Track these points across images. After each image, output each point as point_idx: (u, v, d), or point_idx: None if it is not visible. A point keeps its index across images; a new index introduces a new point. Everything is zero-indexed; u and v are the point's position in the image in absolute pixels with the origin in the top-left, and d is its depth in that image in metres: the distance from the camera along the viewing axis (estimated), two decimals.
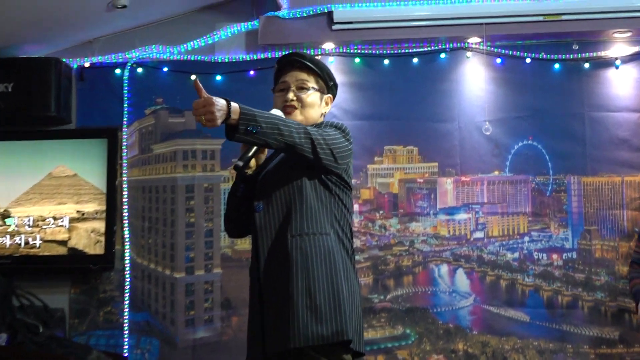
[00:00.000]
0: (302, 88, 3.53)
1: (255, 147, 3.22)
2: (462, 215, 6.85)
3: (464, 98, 6.91)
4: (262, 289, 3.28)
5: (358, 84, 6.93)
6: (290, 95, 3.50)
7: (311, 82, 3.55)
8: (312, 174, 3.34)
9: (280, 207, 3.31)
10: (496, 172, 6.86)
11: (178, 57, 6.89)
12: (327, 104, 3.64)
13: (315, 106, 3.54)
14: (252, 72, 6.83)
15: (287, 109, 3.48)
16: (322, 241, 3.27)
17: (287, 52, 3.66)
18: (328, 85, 3.64)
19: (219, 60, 6.89)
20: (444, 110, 6.88)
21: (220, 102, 3.05)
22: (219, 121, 3.04)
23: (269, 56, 6.81)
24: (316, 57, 3.66)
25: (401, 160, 6.91)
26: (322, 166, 3.30)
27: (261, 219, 3.32)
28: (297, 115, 3.49)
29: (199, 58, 6.89)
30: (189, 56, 6.90)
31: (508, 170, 6.84)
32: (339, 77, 6.06)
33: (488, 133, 6.72)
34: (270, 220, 3.30)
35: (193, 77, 6.78)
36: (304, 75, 3.54)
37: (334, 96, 3.71)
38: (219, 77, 6.87)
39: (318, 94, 3.56)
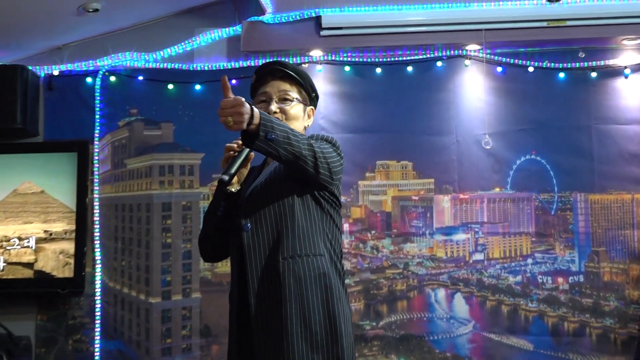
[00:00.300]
0: (285, 99, 3.40)
1: (240, 161, 3.12)
2: (460, 236, 6.73)
3: (462, 109, 6.80)
4: (252, 315, 3.15)
5: (348, 94, 6.83)
6: (273, 107, 3.35)
7: (294, 93, 3.43)
8: (302, 190, 3.24)
9: (270, 226, 3.20)
10: (497, 189, 6.75)
11: (154, 65, 6.77)
12: (309, 116, 3.52)
13: (299, 119, 3.43)
14: (234, 81, 6.52)
15: None
16: (316, 263, 3.17)
17: (267, 61, 3.56)
18: (310, 97, 3.52)
19: (198, 68, 6.78)
20: (440, 122, 6.76)
21: (247, 105, 2.91)
22: (245, 124, 2.88)
23: (252, 64, 6.68)
24: (299, 67, 3.56)
25: (395, 176, 6.80)
26: (318, 182, 3.19)
27: (249, 239, 3.19)
28: None
29: (176, 66, 6.78)
30: (165, 64, 6.78)
31: (510, 187, 6.72)
32: (327, 87, 6.72)
33: (488, 147, 6.62)
34: (259, 241, 3.19)
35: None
36: (286, 86, 3.41)
37: (315, 108, 3.59)
38: (198, 87, 6.77)
39: (301, 105, 3.45)
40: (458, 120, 6.78)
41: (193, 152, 6.79)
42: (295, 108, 3.42)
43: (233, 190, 3.29)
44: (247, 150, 3.10)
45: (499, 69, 6.81)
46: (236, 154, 3.13)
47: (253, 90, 3.48)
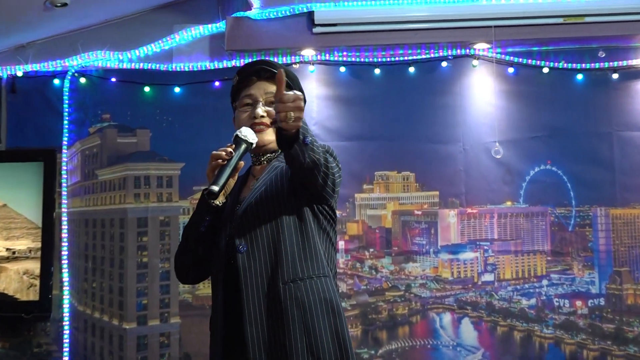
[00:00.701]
0: (272, 103, 3.27)
1: (230, 170, 3.07)
2: (468, 254, 6.61)
3: (470, 115, 6.67)
4: (250, 347, 3.06)
5: (344, 98, 6.69)
6: (260, 111, 3.29)
7: None
8: (300, 205, 3.18)
9: (267, 247, 3.13)
10: (508, 203, 6.63)
11: (128, 65, 6.63)
12: None
13: None
14: (217, 84, 6.59)
15: (257, 126, 3.28)
16: (320, 286, 3.09)
17: (252, 61, 3.50)
18: None
19: (178, 68, 6.64)
20: (446, 129, 6.64)
21: None
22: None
23: (238, 64, 6.53)
24: (287, 67, 3.53)
25: (395, 189, 6.65)
26: (321, 194, 3.15)
27: (244, 261, 3.11)
28: (268, 135, 3.32)
29: (153, 66, 6.63)
30: (141, 64, 6.64)
31: (522, 201, 6.61)
32: (321, 89, 6.64)
33: (498, 156, 6.48)
34: (255, 264, 3.11)
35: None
36: (273, 88, 3.29)
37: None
38: (177, 89, 6.63)
39: None
40: (465, 127, 6.64)
41: (171, 161, 6.63)
42: None
43: (218, 203, 3.23)
44: (237, 158, 3.07)
45: (511, 69, 6.69)
46: (225, 162, 3.07)
47: (235, 92, 3.42)
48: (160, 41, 6.66)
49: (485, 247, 6.62)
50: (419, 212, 6.66)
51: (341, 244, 6.57)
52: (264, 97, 3.33)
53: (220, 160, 3.07)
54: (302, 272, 3.07)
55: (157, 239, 6.62)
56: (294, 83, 3.38)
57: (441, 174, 6.61)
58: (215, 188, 2.97)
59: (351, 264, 6.58)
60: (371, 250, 6.61)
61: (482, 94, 6.68)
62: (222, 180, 3.01)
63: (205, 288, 6.36)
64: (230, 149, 3.05)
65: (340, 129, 6.63)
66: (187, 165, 6.57)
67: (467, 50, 6.66)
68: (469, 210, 6.62)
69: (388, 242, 6.62)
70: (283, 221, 3.12)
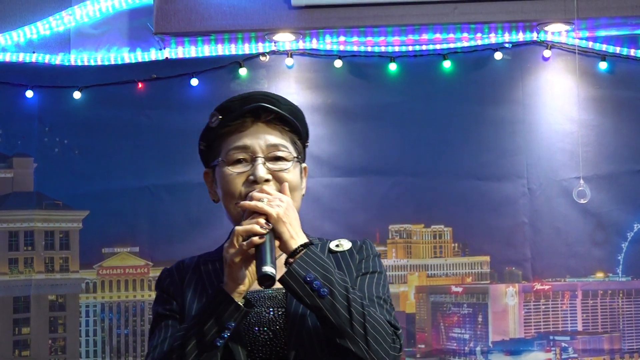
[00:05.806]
0: (278, 159, 2.95)
1: (271, 243, 2.72)
2: (536, 356, 5.99)
3: (539, 136, 6.12)
4: None
5: (340, 109, 6.18)
6: (262, 172, 2.89)
7: (288, 146, 3.00)
8: None
9: None
10: (600, 275, 6.02)
11: (0, 57, 6.14)
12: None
13: (298, 189, 3.02)
14: (140, 86, 6.05)
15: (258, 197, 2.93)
16: None
17: (241, 94, 3.00)
18: (304, 147, 3.18)
19: (78, 62, 6.10)
20: (501, 158, 6.08)
21: None
22: None
23: (173, 56, 6.11)
24: (290, 101, 3.10)
25: (421, 252, 6.22)
26: None
27: None
28: None
29: (40, 59, 6.10)
30: (20, 55, 6.11)
31: (622, 272, 6.00)
32: (305, 96, 6.24)
33: (584, 201, 5.86)
34: None
35: None
36: (277, 135, 2.98)
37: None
38: (77, 95, 6.01)
39: (298, 166, 3.04)
40: (531, 155, 6.06)
41: (68, 208, 6.10)
42: (293, 172, 3.02)
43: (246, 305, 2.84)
44: (271, 232, 2.73)
45: (603, 65, 6.04)
46: (264, 239, 2.71)
47: (213, 139, 3.05)
48: (51, 19, 6.16)
49: (564, 345, 6.02)
50: (459, 289, 6.12)
51: None
52: (266, 151, 2.95)
53: (256, 238, 2.74)
54: None
55: (46, 332, 6.04)
56: (302, 126, 3.09)
57: (493, 229, 6.10)
58: (272, 270, 2.70)
59: None
60: None
61: (559, 103, 6.12)
62: (273, 258, 2.76)
63: None
64: (262, 221, 2.73)
65: (335, 158, 6.12)
66: (92, 214, 6.04)
67: (535, 34, 6.12)
68: (538, 287, 6.04)
69: (410, 335, 6.15)
70: None
